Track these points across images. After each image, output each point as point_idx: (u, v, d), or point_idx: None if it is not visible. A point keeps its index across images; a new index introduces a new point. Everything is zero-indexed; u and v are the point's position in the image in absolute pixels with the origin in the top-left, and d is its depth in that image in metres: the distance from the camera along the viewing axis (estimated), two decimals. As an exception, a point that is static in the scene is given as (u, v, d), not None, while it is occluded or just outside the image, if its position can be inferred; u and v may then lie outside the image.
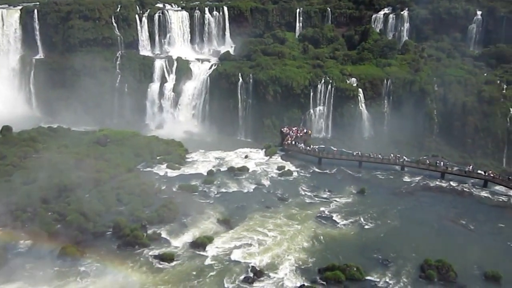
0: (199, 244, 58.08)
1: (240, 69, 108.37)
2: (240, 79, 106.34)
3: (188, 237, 60.00)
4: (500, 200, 74.68)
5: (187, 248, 57.68)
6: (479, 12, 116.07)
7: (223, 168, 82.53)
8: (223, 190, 74.23)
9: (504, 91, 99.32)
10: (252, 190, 74.81)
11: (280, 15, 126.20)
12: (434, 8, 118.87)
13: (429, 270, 53.09)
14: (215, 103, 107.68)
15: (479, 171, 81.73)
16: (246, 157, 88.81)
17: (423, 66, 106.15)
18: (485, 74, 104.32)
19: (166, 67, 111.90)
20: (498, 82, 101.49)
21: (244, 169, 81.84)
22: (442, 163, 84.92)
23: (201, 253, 56.85)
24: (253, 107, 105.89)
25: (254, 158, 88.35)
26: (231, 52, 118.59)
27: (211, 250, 57.32)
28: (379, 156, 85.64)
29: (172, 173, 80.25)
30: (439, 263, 53.59)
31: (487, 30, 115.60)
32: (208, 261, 55.25)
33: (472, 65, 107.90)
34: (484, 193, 76.84)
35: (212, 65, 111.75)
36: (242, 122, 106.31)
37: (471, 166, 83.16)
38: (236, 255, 56.42)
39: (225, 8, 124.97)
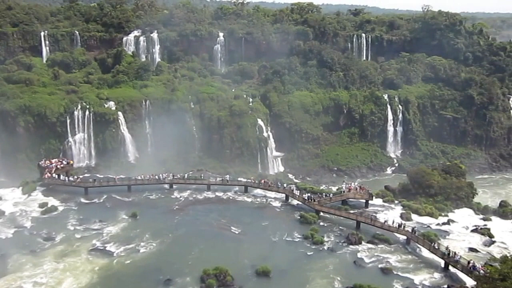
0: (-50, 311, 48.96)
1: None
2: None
3: None
4: (260, 202, 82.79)
5: None
6: (221, 34, 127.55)
7: (-29, 216, 71.41)
8: (-25, 241, 64.17)
9: (250, 104, 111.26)
10: (11, 235, 66.46)
11: (23, 38, 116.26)
12: (181, 30, 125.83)
13: (208, 279, 55.32)
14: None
15: (239, 179, 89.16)
16: (-1, 198, 78.75)
17: (178, 85, 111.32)
18: (233, 90, 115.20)
19: None
20: (245, 96, 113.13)
21: (-2, 213, 72.35)
22: (202, 175, 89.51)
23: (-46, 320, 48.01)
24: (2, 141, 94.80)
25: (9, 199, 78.88)
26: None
27: (-33, 314, 48.90)
28: (148, 177, 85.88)
29: None
30: (217, 270, 56.38)
31: (230, 50, 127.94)
32: (-36, 328, 46.98)
33: (221, 82, 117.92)
34: (246, 198, 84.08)
35: None
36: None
37: (227, 176, 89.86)
38: (0, 313, 49.36)
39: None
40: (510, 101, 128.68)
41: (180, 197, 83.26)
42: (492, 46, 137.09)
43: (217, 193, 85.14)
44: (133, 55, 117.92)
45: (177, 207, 78.94)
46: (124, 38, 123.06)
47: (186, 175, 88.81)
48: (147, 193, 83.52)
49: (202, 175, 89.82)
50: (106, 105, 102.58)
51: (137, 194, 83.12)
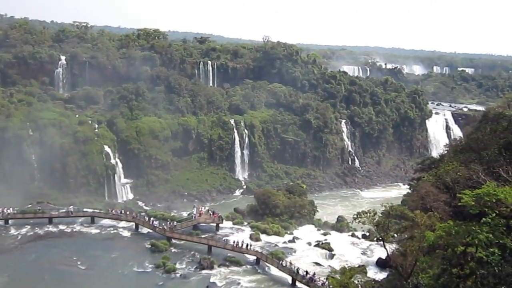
0: None
1: None
2: None
3: None
4: (109, 232, 79.38)
5: None
6: (63, 57, 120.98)
7: None
8: None
9: (96, 130, 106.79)
10: None
11: None
12: (18, 52, 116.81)
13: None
14: None
15: (84, 209, 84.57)
16: None
17: (14, 111, 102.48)
18: (77, 116, 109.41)
19: None
20: (90, 122, 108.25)
21: None
22: (39, 208, 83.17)
23: None
24: None
25: None
26: None
27: None
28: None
29: None
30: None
31: (73, 74, 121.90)
32: None
33: (64, 107, 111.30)
34: (93, 229, 79.99)
35: None
36: None
37: (71, 207, 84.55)
38: None
39: None
40: (341, 125, 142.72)
41: (17, 233, 76.16)
42: (324, 75, 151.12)
43: (60, 226, 79.67)
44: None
45: (13, 245, 71.98)
46: None
47: (14, 209, 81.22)
48: (-24, 232, 74.87)
49: (39, 208, 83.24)
50: None
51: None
